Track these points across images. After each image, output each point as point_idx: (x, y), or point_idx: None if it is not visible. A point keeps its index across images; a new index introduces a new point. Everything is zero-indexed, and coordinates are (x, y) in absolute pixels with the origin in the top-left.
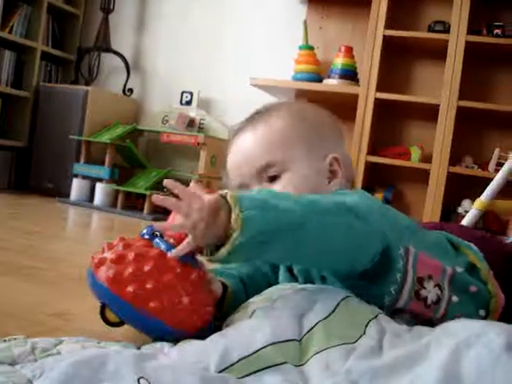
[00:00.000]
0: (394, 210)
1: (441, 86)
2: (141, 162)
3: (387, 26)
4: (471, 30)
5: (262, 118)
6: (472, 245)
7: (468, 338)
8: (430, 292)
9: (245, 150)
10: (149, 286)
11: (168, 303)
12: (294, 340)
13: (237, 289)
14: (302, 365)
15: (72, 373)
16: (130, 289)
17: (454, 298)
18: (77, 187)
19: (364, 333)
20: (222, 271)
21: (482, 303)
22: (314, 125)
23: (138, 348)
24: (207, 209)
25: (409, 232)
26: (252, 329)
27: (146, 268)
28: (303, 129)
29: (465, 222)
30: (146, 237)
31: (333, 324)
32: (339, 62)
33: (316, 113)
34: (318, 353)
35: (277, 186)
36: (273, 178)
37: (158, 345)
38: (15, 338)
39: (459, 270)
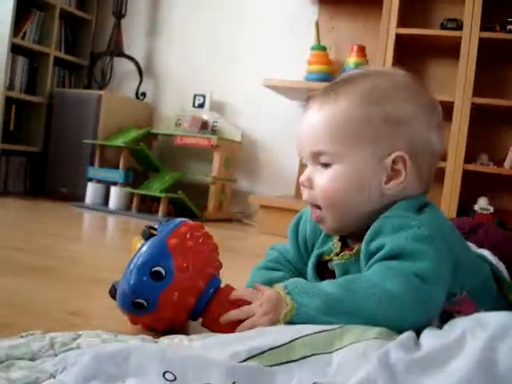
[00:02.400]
0: (464, 247)
1: (455, 84)
2: (155, 165)
3: (399, 25)
4: (484, 27)
5: (333, 95)
6: None
7: (503, 328)
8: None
9: (305, 129)
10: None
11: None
12: (326, 331)
13: None
14: (333, 351)
15: (95, 367)
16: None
17: None
18: (92, 191)
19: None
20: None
21: None
22: (390, 113)
23: (156, 342)
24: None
25: (470, 273)
26: (279, 329)
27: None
28: (373, 118)
29: None
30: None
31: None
32: (352, 61)
33: (403, 93)
34: (354, 343)
35: (324, 176)
36: (325, 164)
37: (177, 339)
38: (32, 334)
39: None
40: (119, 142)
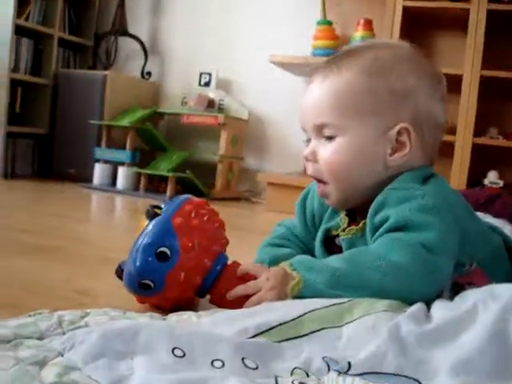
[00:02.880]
0: (472, 217)
1: (463, 57)
2: (162, 144)
3: None
4: None
5: (335, 68)
6: None
7: None
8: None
9: (308, 102)
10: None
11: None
12: (335, 304)
13: None
14: (343, 325)
15: (103, 344)
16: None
17: None
18: (99, 172)
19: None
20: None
21: None
22: (394, 85)
23: (164, 319)
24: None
25: (479, 244)
26: (287, 304)
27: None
28: (376, 90)
29: None
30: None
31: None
32: (358, 35)
33: (405, 64)
34: (363, 316)
35: (328, 149)
36: (329, 137)
37: (185, 315)
38: (40, 313)
39: None
40: (125, 122)
